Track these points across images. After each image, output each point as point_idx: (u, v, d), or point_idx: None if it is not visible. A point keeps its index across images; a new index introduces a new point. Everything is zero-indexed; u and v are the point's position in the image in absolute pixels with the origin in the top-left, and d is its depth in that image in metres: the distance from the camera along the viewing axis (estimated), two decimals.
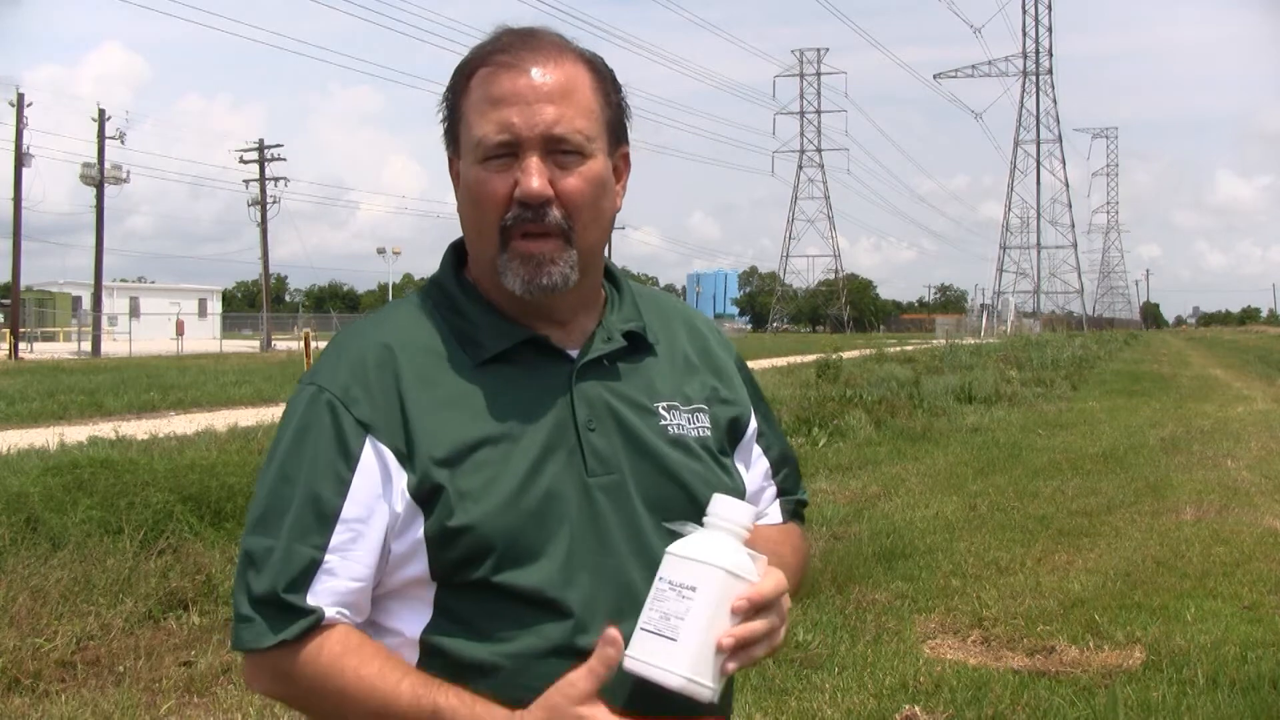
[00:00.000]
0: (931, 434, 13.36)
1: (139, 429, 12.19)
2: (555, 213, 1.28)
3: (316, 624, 1.23)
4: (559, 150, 1.28)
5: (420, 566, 1.27)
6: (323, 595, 1.24)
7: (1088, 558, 6.92)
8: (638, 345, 1.40)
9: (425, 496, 1.25)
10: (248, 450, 9.32)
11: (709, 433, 1.42)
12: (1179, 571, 6.52)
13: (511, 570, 1.26)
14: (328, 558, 1.24)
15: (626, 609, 1.27)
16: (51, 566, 5.58)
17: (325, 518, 1.25)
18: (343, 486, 1.25)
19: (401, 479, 1.26)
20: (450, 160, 1.38)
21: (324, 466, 1.25)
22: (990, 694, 4.49)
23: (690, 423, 1.40)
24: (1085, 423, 15.25)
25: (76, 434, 11.85)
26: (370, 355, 1.30)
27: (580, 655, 1.23)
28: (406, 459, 1.26)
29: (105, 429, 11.95)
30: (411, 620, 1.29)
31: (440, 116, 1.38)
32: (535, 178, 1.26)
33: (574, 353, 1.36)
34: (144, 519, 6.33)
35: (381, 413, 1.27)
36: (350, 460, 1.26)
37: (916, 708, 4.38)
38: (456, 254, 1.41)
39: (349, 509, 1.25)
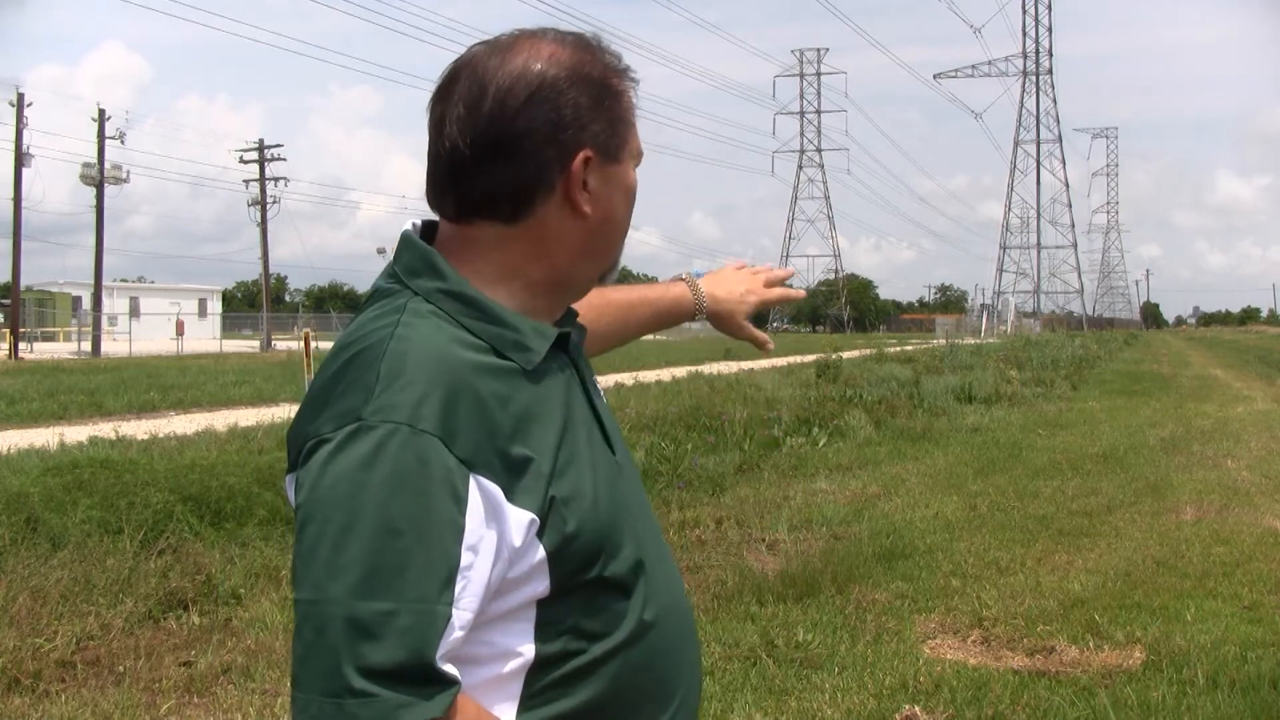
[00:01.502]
0: (931, 434, 13.36)
1: (139, 429, 12.19)
2: None
3: (457, 693, 1.15)
4: None
5: (540, 585, 1.22)
6: (444, 655, 1.14)
7: (1088, 558, 6.92)
8: None
9: (544, 516, 1.20)
10: (248, 450, 9.32)
11: None
12: (1179, 571, 6.52)
13: (615, 561, 1.27)
14: (454, 612, 1.15)
15: (671, 572, 1.40)
16: (51, 566, 5.58)
17: (452, 571, 1.14)
18: (460, 534, 1.15)
19: (512, 511, 1.18)
20: (591, 162, 1.30)
21: (441, 516, 1.14)
22: (990, 694, 4.49)
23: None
24: (1085, 423, 15.25)
25: (76, 434, 11.86)
26: (450, 383, 1.19)
27: (649, 630, 1.30)
28: (512, 489, 1.19)
29: (105, 429, 11.96)
30: (512, 642, 1.24)
31: (578, 115, 1.29)
32: None
33: None
34: (144, 519, 6.34)
35: (479, 446, 1.18)
36: (461, 504, 1.15)
37: (916, 708, 4.38)
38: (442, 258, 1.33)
39: (465, 557, 1.15)
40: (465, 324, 1.26)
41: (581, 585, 1.25)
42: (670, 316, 1.90)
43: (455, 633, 1.15)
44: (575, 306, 1.52)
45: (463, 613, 1.15)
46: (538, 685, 1.24)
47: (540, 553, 1.21)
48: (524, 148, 1.27)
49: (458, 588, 1.14)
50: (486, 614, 1.21)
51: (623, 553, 1.29)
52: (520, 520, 1.18)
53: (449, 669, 1.13)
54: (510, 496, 1.18)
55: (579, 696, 1.25)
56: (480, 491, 1.16)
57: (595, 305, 1.75)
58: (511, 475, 1.19)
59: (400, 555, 1.12)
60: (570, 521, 1.22)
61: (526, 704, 1.24)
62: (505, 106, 1.27)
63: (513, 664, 1.23)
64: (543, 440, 1.23)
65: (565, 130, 1.27)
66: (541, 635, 1.24)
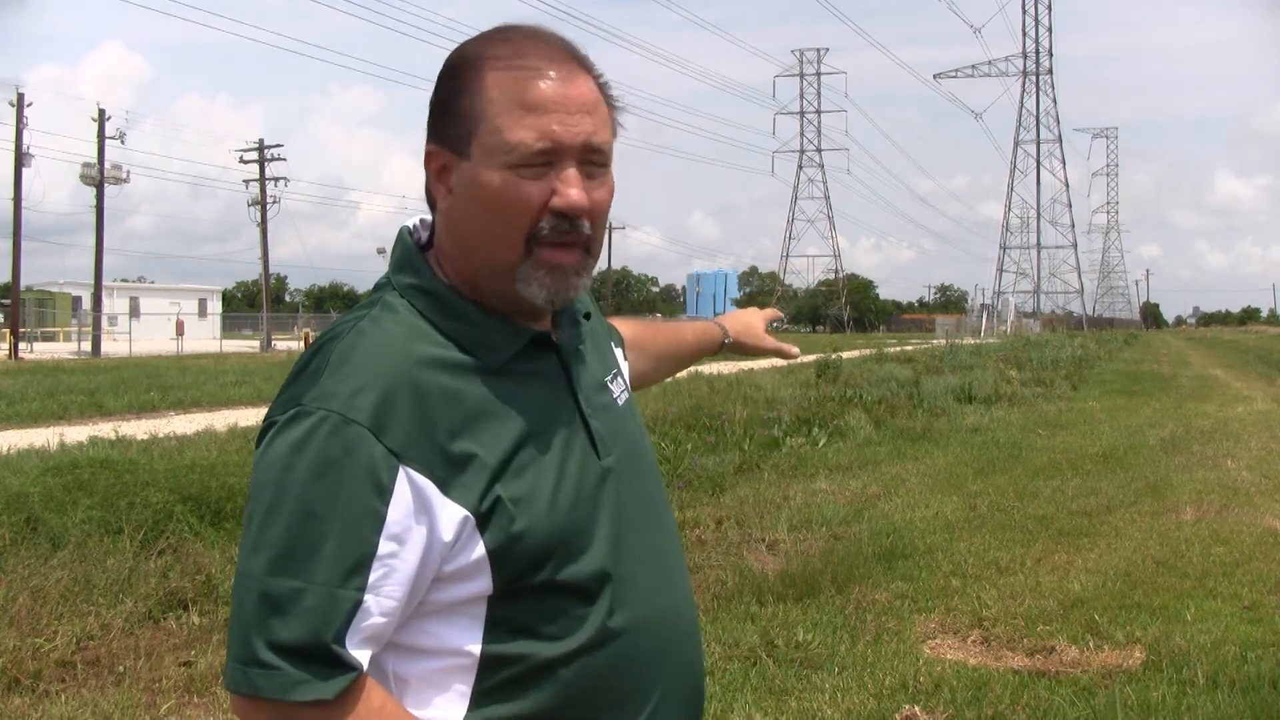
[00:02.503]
0: (931, 434, 13.35)
1: (139, 429, 12.20)
2: (586, 224, 1.29)
3: (355, 679, 1.17)
4: (590, 161, 1.28)
5: (482, 583, 1.23)
6: (355, 639, 1.17)
7: (1088, 558, 6.92)
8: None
9: (484, 514, 1.21)
10: (247, 450, 9.31)
11: (629, 394, 1.51)
12: (1179, 571, 6.52)
13: (572, 566, 1.26)
14: (366, 598, 1.17)
15: (664, 581, 1.37)
16: (51, 566, 5.58)
17: (365, 557, 1.17)
18: (379, 523, 1.17)
19: (445, 506, 1.20)
20: (436, 155, 1.31)
21: (359, 503, 1.17)
22: (990, 694, 4.49)
23: (621, 389, 1.48)
24: (1085, 423, 15.24)
25: (76, 434, 11.85)
26: (392, 375, 1.21)
27: (615, 638, 1.28)
28: (449, 484, 1.20)
29: (105, 429, 11.96)
30: (459, 636, 1.25)
31: (431, 110, 1.32)
32: (577, 190, 1.26)
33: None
34: (144, 519, 6.33)
35: (414, 439, 1.19)
36: (384, 494, 1.17)
37: (916, 708, 4.38)
38: (421, 256, 1.36)
39: (384, 545, 1.17)
40: (434, 320, 1.29)
41: (532, 587, 1.25)
42: (706, 343, 2.09)
43: (373, 618, 1.18)
44: (628, 326, 1.68)
45: (383, 600, 1.18)
46: (489, 683, 1.25)
47: (480, 550, 1.22)
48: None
49: (374, 575, 1.17)
50: (428, 605, 1.23)
51: (585, 557, 1.27)
52: (453, 516, 1.20)
53: (353, 654, 1.16)
54: (446, 491, 1.20)
55: (532, 699, 1.25)
56: (410, 484, 1.18)
57: (650, 326, 1.95)
58: (450, 471, 1.20)
59: (314, 538, 1.16)
60: (518, 521, 1.22)
61: (477, 700, 1.25)
62: None
63: (460, 659, 1.25)
64: (496, 438, 1.24)
65: (428, 125, 1.33)
66: (491, 633, 1.25)
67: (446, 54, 1.33)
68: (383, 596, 1.18)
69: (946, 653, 5.11)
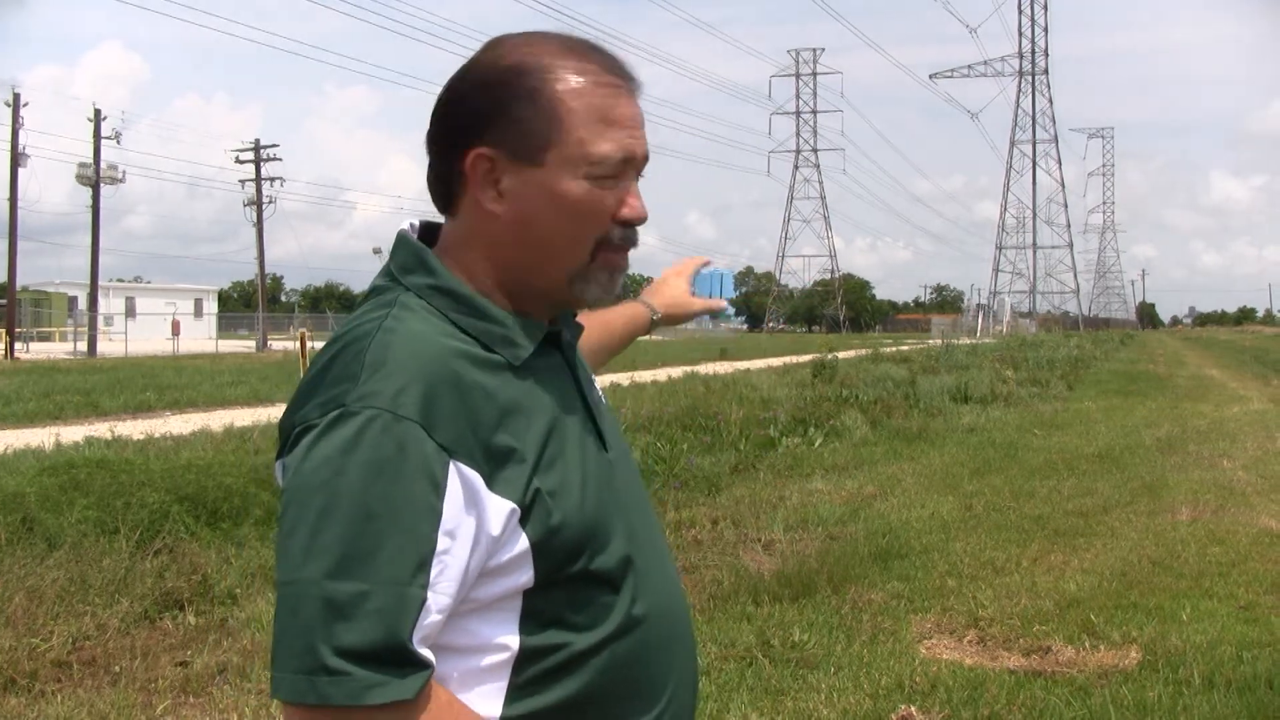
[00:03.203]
0: (927, 434, 13.36)
1: (135, 429, 12.19)
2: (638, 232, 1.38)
3: (429, 677, 1.17)
4: (640, 173, 1.36)
5: (524, 576, 1.24)
6: (418, 637, 1.16)
7: (1084, 558, 6.92)
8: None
9: (527, 506, 1.23)
10: (243, 450, 9.31)
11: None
12: (1175, 572, 6.53)
13: (602, 555, 1.29)
14: (428, 595, 1.17)
15: (664, 569, 1.40)
16: (48, 566, 5.58)
17: (427, 555, 1.16)
18: (436, 519, 1.17)
19: (491, 499, 1.20)
20: (487, 158, 1.30)
21: (417, 501, 1.16)
22: (986, 694, 4.50)
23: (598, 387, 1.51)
24: (1081, 423, 15.26)
25: (72, 434, 11.83)
26: (432, 371, 1.21)
27: (638, 625, 1.30)
28: (493, 478, 1.21)
29: (101, 429, 11.95)
30: (496, 632, 1.25)
31: (476, 112, 1.31)
32: (640, 202, 1.35)
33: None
34: (140, 519, 6.33)
35: (461, 434, 1.20)
36: (439, 490, 1.17)
37: (913, 708, 4.39)
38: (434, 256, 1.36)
39: (441, 542, 1.17)
40: (454, 319, 1.29)
41: (567, 578, 1.26)
42: (634, 328, 2.06)
43: (432, 616, 1.17)
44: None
45: (439, 596, 1.17)
46: (524, 676, 1.26)
47: (524, 543, 1.22)
48: (441, 142, 1.34)
49: (434, 571, 1.16)
50: (470, 602, 1.23)
51: (611, 547, 1.30)
52: (500, 509, 1.20)
53: (424, 652, 1.15)
54: (491, 485, 1.20)
55: (566, 688, 1.27)
56: (460, 478, 1.19)
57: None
58: (493, 465, 1.21)
59: (375, 538, 1.14)
60: (555, 513, 1.24)
61: (514, 694, 1.26)
62: (440, 103, 1.35)
63: (499, 655, 1.25)
64: (528, 433, 1.25)
65: (463, 127, 1.31)
66: (527, 627, 1.26)
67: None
68: (439, 593, 1.17)
69: (942, 653, 5.11)
